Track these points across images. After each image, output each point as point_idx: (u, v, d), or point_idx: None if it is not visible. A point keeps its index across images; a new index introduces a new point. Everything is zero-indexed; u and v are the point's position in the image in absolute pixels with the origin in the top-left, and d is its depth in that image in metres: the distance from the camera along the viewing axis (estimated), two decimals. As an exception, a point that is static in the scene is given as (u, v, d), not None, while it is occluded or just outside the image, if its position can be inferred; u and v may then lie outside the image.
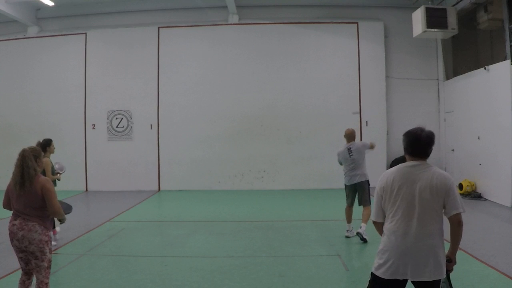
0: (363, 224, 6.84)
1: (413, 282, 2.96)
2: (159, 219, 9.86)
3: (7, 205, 4.12)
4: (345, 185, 7.29)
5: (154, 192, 13.30)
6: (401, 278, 2.92)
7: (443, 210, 2.97)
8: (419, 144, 3.03)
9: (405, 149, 3.09)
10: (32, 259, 3.97)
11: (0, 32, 14.05)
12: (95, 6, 13.72)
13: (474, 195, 10.67)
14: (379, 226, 3.14)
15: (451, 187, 2.96)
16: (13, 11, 12.59)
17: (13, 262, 6.04)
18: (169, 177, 13.53)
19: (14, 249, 4.01)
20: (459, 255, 6.05)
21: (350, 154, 7.13)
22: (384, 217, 3.07)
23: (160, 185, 13.60)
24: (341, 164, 7.35)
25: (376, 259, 3.04)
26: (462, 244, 6.57)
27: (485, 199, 10.39)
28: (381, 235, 3.11)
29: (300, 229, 7.87)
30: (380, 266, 2.97)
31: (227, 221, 8.98)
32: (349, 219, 7.16)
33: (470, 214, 9.24)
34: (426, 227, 2.91)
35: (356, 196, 7.19)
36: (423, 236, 2.89)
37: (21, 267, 4.11)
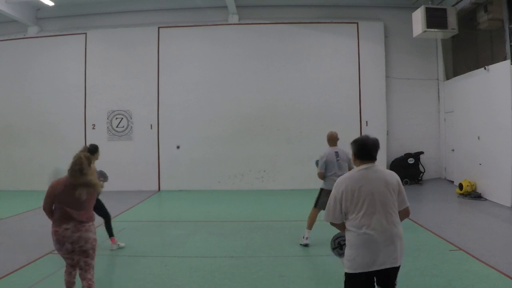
0: None
1: (379, 272, 3.20)
2: (159, 219, 9.85)
3: None
4: (322, 189, 6.88)
5: (154, 192, 13.29)
6: (375, 269, 3.18)
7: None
8: (366, 149, 3.40)
9: (355, 154, 3.45)
10: (83, 258, 4.18)
11: (0, 32, 14.05)
12: (95, 6, 13.72)
13: (474, 195, 10.67)
14: (340, 226, 3.44)
15: (400, 183, 3.42)
16: (13, 11, 12.60)
17: (13, 262, 6.06)
18: (169, 177, 13.53)
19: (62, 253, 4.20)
20: (459, 255, 6.09)
21: (338, 158, 6.84)
22: (342, 218, 3.36)
23: (160, 185, 13.60)
24: (317, 166, 6.96)
25: (346, 259, 3.30)
26: (462, 244, 6.62)
27: (485, 199, 10.38)
28: (343, 231, 3.43)
29: (300, 229, 7.84)
30: (353, 262, 3.23)
31: (227, 221, 8.97)
32: (312, 225, 6.94)
33: (470, 214, 9.25)
34: (388, 218, 3.23)
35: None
36: (386, 227, 3.21)
37: (68, 264, 4.29)
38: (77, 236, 4.07)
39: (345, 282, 3.30)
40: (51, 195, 4.15)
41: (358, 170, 3.38)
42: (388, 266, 3.17)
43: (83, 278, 4.17)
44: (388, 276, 3.23)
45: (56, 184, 4.15)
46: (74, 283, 4.33)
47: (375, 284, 3.29)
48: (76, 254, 4.15)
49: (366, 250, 3.17)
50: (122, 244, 6.88)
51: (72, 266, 4.30)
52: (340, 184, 3.35)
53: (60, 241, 4.09)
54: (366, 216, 3.21)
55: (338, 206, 3.31)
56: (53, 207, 4.17)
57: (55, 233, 4.10)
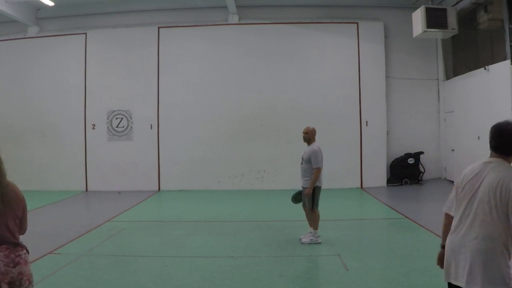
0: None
1: None
2: (159, 219, 9.85)
3: None
4: (320, 187, 6.96)
5: (154, 192, 13.29)
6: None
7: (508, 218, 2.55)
8: (500, 138, 2.74)
9: (489, 142, 2.83)
10: None
11: (0, 32, 14.04)
12: (95, 6, 13.71)
13: (474, 195, 10.64)
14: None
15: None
16: (13, 11, 12.58)
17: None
18: (169, 177, 13.51)
19: None
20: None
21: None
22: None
23: (160, 185, 13.59)
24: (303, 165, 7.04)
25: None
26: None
27: (485, 199, 10.36)
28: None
29: (300, 229, 7.85)
30: None
31: (227, 221, 8.98)
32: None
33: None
34: (476, 228, 2.62)
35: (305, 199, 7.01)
36: (470, 237, 2.64)
37: None
38: None
39: None
40: None
41: (481, 161, 2.82)
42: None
43: None
44: None
45: None
46: None
47: None
48: None
49: None
50: None
51: None
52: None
53: None
54: (459, 218, 2.86)
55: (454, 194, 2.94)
56: None
57: None
